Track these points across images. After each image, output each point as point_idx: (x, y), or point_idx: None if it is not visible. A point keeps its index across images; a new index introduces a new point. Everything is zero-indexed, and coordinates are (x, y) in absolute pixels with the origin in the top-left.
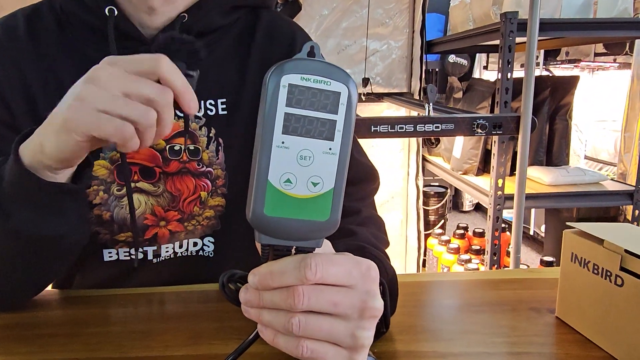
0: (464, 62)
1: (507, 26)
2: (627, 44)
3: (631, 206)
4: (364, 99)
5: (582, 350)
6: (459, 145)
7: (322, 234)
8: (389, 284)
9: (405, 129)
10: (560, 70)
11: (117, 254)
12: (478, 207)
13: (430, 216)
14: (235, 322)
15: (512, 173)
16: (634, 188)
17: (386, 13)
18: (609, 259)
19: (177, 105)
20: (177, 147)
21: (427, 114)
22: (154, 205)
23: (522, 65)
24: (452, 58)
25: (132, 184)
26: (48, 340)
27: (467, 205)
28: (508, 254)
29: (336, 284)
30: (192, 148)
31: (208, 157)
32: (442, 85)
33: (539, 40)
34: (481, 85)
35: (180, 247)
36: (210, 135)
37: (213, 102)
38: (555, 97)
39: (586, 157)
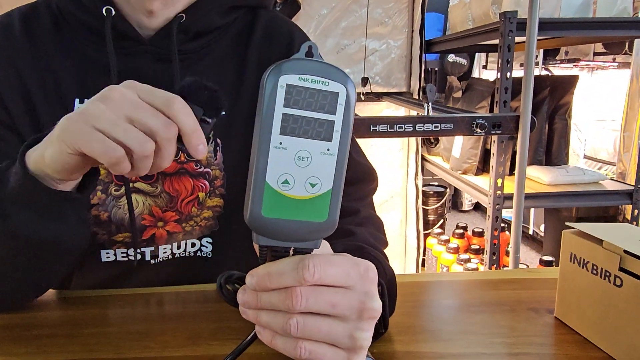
0: (463, 61)
1: (506, 25)
2: (627, 44)
3: (630, 206)
4: (363, 99)
5: (581, 350)
6: (458, 144)
7: (320, 235)
8: (388, 284)
9: (405, 128)
10: (559, 70)
11: (115, 254)
12: (477, 207)
13: (429, 216)
14: (234, 322)
15: (511, 172)
16: (633, 187)
17: (385, 12)
18: (608, 260)
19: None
20: None
21: (426, 113)
22: (151, 205)
23: (521, 65)
24: (451, 57)
25: (130, 184)
26: (46, 341)
27: (466, 205)
28: (507, 253)
29: (334, 285)
30: None
31: (206, 157)
32: (442, 84)
33: (538, 40)
34: (480, 85)
35: (178, 247)
36: (209, 135)
37: None
38: (554, 97)
39: (585, 157)
